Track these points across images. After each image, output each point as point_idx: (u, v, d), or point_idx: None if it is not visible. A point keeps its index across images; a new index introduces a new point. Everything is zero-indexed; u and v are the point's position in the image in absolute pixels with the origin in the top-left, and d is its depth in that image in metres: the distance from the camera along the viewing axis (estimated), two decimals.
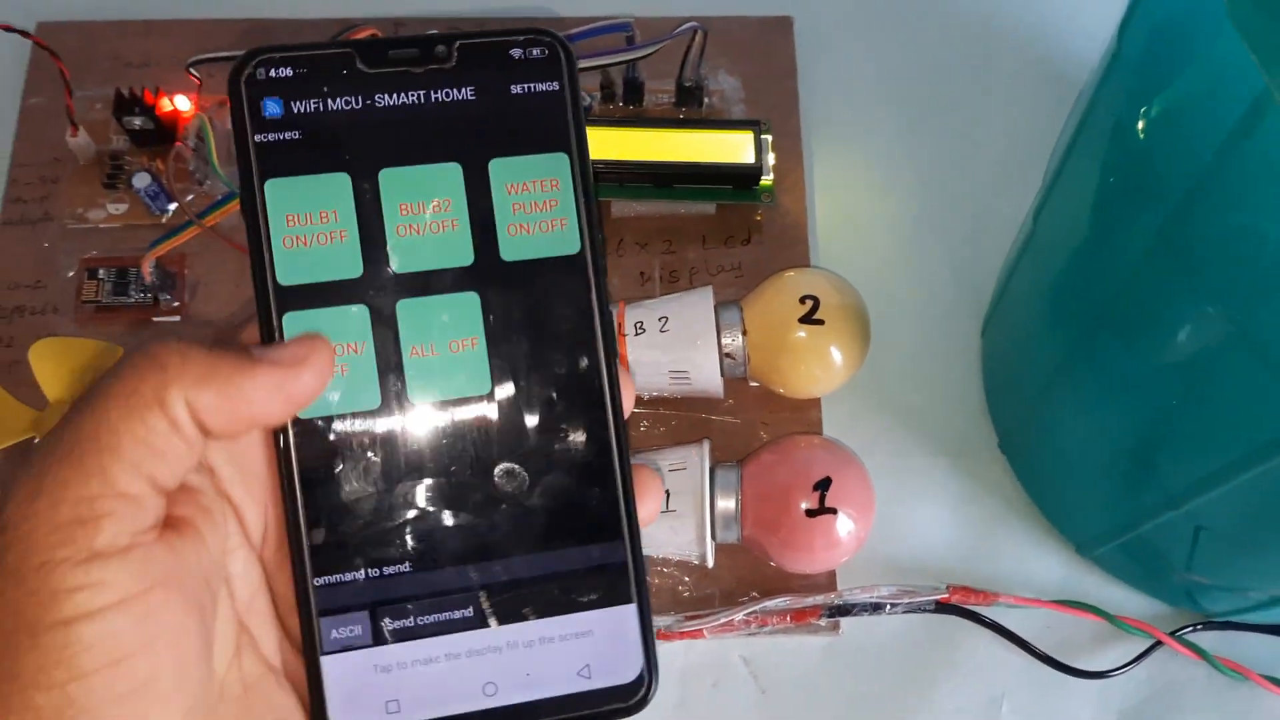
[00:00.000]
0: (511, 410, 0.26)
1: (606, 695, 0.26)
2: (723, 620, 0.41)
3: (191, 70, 0.43)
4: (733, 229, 0.47)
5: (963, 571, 0.43)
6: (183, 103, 0.47)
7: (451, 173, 0.26)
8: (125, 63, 0.49)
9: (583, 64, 0.43)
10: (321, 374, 0.24)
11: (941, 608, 0.41)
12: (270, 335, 0.25)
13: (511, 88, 0.26)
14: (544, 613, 0.26)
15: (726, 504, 0.40)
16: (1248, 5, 0.22)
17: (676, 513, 0.39)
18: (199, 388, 0.22)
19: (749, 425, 0.44)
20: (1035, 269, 0.39)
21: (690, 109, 0.49)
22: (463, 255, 0.26)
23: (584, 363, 0.26)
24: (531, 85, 0.26)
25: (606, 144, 0.45)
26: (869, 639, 0.42)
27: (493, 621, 0.26)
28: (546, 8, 0.52)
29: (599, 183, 0.46)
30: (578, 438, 0.26)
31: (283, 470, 0.25)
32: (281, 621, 0.26)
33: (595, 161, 0.42)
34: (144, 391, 0.22)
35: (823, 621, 0.41)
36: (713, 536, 0.40)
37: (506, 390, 0.26)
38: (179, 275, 0.45)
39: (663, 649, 0.41)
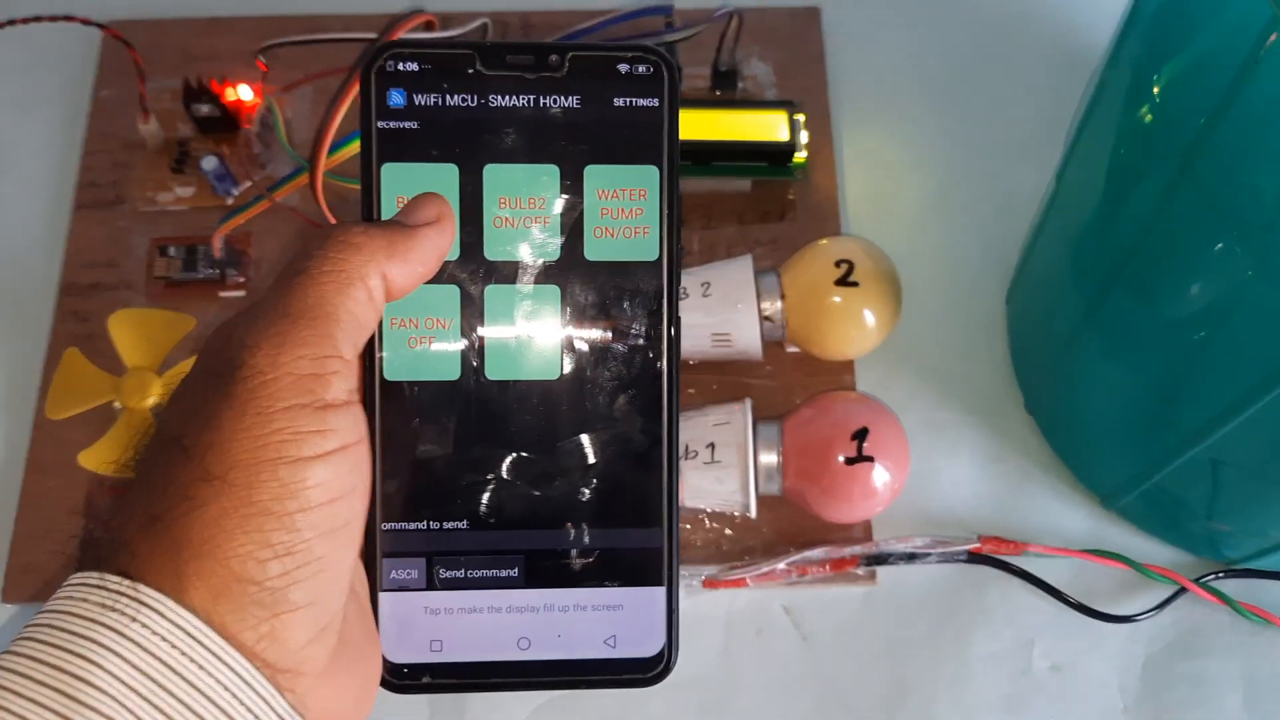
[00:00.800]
0: (577, 396, 0.28)
1: (627, 665, 0.29)
2: (765, 570, 0.43)
3: (260, 57, 0.45)
4: (768, 205, 0.50)
5: (993, 524, 0.45)
6: (246, 92, 0.50)
7: (549, 174, 0.28)
8: (190, 56, 0.52)
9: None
10: (454, 225, 0.28)
11: (973, 557, 0.43)
12: None
13: (615, 100, 0.28)
14: (581, 583, 0.29)
15: (769, 457, 0.42)
16: None
17: (721, 464, 0.41)
18: (389, 261, 0.26)
19: (786, 388, 0.46)
20: (1058, 228, 0.41)
21: (726, 92, 0.51)
22: (550, 250, 0.28)
23: (649, 362, 0.28)
24: (633, 100, 0.28)
25: None
26: (905, 588, 0.44)
27: (533, 584, 0.28)
28: None
29: None
30: (634, 429, 0.29)
31: (368, 426, 0.28)
32: None
33: None
34: (349, 270, 0.25)
35: (860, 571, 0.43)
36: (755, 488, 0.42)
37: (574, 378, 0.28)
38: (244, 252, 0.48)
39: (708, 597, 0.43)
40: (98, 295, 0.48)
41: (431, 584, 0.28)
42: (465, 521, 0.28)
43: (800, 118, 0.48)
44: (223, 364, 0.24)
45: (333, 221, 0.44)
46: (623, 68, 0.28)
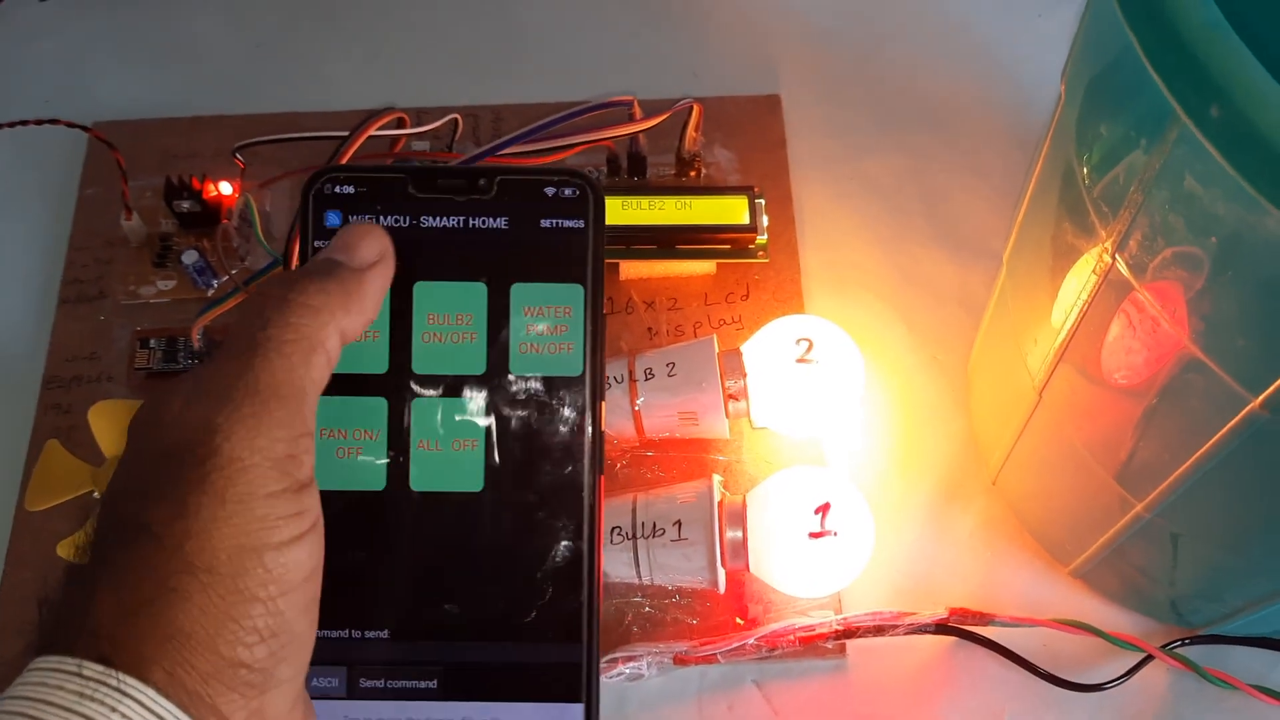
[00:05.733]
0: (500, 509, 0.29)
1: None
2: (735, 645, 0.43)
3: (237, 155, 0.47)
4: (732, 286, 0.51)
5: (961, 595, 0.46)
6: (225, 188, 0.51)
7: (477, 291, 0.29)
8: (172, 155, 0.54)
9: (591, 137, 0.48)
10: (394, 259, 0.28)
11: (941, 628, 0.44)
12: None
13: (541, 221, 0.29)
14: (499, 696, 0.29)
15: (734, 533, 0.43)
16: (1155, 47, 0.26)
17: (688, 540, 0.42)
18: (346, 316, 0.26)
19: (753, 464, 0.47)
20: (1008, 307, 0.42)
21: (690, 178, 0.53)
22: (476, 365, 0.29)
23: (571, 476, 0.29)
24: (559, 221, 0.29)
25: (614, 211, 0.49)
26: (874, 660, 0.44)
27: (451, 696, 0.29)
28: (550, 94, 0.56)
29: (609, 246, 0.50)
30: (556, 543, 0.29)
31: None
32: None
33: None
34: (309, 335, 0.25)
35: (830, 644, 0.44)
36: (723, 563, 0.42)
37: (498, 490, 0.29)
38: (222, 343, 0.49)
39: (679, 674, 0.44)
40: (79, 388, 0.49)
41: (353, 693, 0.28)
42: (386, 631, 0.29)
43: (761, 201, 0.50)
44: (187, 446, 0.24)
45: None
46: (549, 190, 0.29)
